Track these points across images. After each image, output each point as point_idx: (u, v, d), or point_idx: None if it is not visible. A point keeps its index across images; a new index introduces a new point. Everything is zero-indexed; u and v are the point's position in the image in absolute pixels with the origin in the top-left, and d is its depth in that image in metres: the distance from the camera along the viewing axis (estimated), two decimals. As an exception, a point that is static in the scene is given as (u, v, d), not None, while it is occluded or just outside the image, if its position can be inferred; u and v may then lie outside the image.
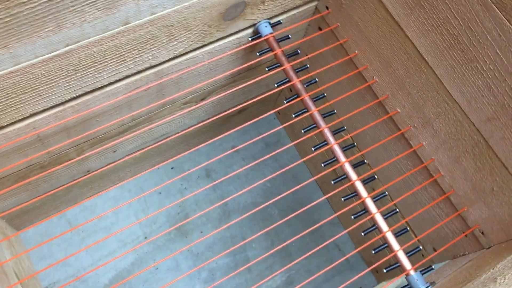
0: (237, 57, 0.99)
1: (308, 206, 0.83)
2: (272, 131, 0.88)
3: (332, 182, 0.85)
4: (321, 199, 0.86)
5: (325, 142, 0.87)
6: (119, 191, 1.28)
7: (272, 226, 0.82)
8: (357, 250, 0.82)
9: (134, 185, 1.29)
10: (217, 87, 1.07)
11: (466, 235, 0.89)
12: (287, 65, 0.89)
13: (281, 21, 0.93)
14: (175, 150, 1.29)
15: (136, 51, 0.80)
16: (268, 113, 0.90)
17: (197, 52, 0.90)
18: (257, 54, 0.90)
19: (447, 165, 0.84)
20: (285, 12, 0.94)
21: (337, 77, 1.01)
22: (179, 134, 1.18)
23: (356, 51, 0.92)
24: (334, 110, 0.90)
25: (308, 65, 0.92)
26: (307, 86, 0.90)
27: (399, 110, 0.89)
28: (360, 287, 1.29)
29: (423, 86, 0.81)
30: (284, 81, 0.89)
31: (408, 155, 0.92)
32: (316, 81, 0.91)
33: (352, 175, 0.85)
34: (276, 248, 0.81)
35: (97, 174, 1.15)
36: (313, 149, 0.87)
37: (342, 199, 0.85)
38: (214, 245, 1.28)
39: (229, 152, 0.84)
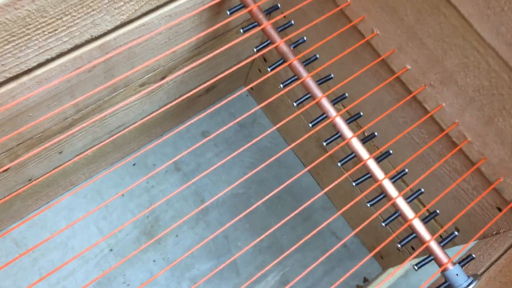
0: (202, 21, 0.80)
1: (308, 203, 0.66)
2: (249, 113, 0.69)
3: (339, 164, 0.68)
4: (322, 192, 0.68)
5: (324, 115, 0.69)
6: (73, 199, 1.07)
7: (268, 232, 0.64)
8: (373, 253, 0.65)
9: (91, 189, 1.09)
10: (179, 61, 0.87)
11: (500, 211, 0.74)
12: (266, 24, 0.71)
13: (253, -32, 0.74)
14: (135, 143, 1.09)
15: (69, 16, 0.59)
16: (241, 91, 0.72)
17: (151, 16, 0.70)
18: (228, 13, 0.71)
19: (475, 129, 0.68)
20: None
21: (326, 35, 0.83)
22: (138, 123, 0.98)
23: (349, 0, 0.74)
24: (331, 75, 0.72)
25: (293, 22, 0.74)
26: (293, 48, 0.72)
27: (409, 67, 0.72)
28: (364, 277, 1.14)
29: (442, 32, 0.64)
30: (265, 43, 0.71)
31: (423, 123, 0.75)
32: (304, 41, 0.73)
33: (363, 153, 0.68)
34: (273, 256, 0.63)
35: (42, 181, 0.95)
36: (310, 125, 0.69)
37: (354, 184, 0.68)
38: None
39: (201, 142, 0.65)
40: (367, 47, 0.78)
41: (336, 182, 0.66)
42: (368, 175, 0.68)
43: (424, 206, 0.88)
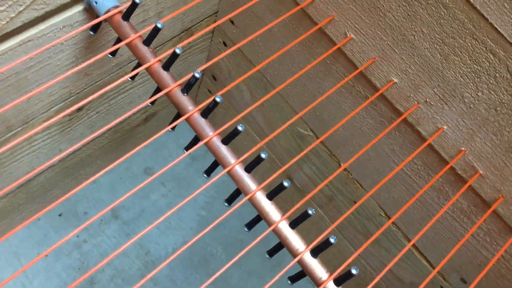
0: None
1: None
2: (199, 144, 0.51)
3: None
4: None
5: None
6: (-19, 265, 0.85)
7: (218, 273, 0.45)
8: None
9: (4, 251, 0.87)
10: (98, 86, 0.68)
11: (525, 261, 0.56)
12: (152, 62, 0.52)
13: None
14: (58, 189, 0.88)
15: None
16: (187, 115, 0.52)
17: (41, 26, 0.50)
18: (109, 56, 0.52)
19: (489, 158, 0.51)
20: None
21: (284, 43, 0.65)
22: (56, 165, 0.78)
23: (312, -4, 0.56)
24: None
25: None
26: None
27: (396, 81, 0.54)
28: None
29: (442, 30, 0.47)
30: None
31: (418, 155, 0.57)
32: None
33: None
34: None
35: None
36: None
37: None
38: (138, 315, 0.88)
39: (144, 181, 0.45)
40: (339, 56, 0.60)
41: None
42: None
43: (424, 256, 0.70)
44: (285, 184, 0.46)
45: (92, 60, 0.48)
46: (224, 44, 0.80)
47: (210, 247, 0.97)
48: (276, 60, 0.69)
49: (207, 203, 1.00)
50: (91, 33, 0.54)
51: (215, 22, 0.77)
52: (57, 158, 0.47)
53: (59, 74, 0.58)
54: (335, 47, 0.57)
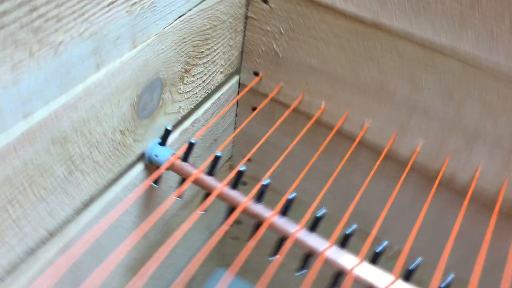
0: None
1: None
2: (287, 245, 0.53)
3: None
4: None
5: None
6: None
7: None
8: None
9: None
10: (152, 245, 0.70)
11: None
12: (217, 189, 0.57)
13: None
14: None
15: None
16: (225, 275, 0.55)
17: (118, 188, 0.55)
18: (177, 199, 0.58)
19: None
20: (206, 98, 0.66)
21: (309, 156, 0.73)
22: None
23: (323, 103, 0.66)
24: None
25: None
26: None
27: (422, 143, 0.62)
28: None
29: (449, 91, 0.57)
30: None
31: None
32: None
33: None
34: None
35: None
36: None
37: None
38: None
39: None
40: (361, 148, 0.68)
41: None
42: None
43: None
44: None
45: (163, 209, 0.53)
46: (244, 184, 0.87)
47: None
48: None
49: None
50: (154, 185, 0.59)
51: (231, 166, 0.84)
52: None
53: (124, 237, 0.61)
54: (357, 140, 0.65)
